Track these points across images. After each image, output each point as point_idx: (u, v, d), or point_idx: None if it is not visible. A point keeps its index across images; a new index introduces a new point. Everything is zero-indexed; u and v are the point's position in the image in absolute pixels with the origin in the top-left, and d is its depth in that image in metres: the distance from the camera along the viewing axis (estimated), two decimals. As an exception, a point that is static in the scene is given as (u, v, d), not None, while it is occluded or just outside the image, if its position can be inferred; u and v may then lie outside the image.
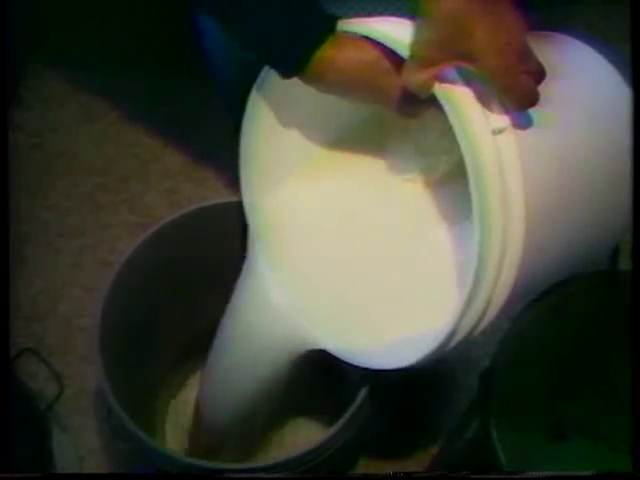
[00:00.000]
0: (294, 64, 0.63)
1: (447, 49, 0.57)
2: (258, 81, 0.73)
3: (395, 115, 0.65)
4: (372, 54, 0.61)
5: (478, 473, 0.79)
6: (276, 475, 0.74)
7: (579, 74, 0.69)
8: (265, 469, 0.76)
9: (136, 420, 0.79)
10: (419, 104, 0.63)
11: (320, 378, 1.01)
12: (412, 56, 0.58)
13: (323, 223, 0.80)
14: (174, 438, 1.04)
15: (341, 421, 0.77)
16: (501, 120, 0.58)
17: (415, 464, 1.03)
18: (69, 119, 1.39)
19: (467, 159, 0.57)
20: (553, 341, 0.76)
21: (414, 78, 0.58)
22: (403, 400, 1.07)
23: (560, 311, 0.75)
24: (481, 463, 0.76)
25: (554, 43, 0.70)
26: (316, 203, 0.81)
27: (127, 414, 0.78)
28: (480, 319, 0.62)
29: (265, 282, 0.79)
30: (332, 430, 0.77)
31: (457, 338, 0.63)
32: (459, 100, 0.58)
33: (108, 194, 1.30)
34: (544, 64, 0.59)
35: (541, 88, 0.58)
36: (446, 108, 0.58)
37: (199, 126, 1.34)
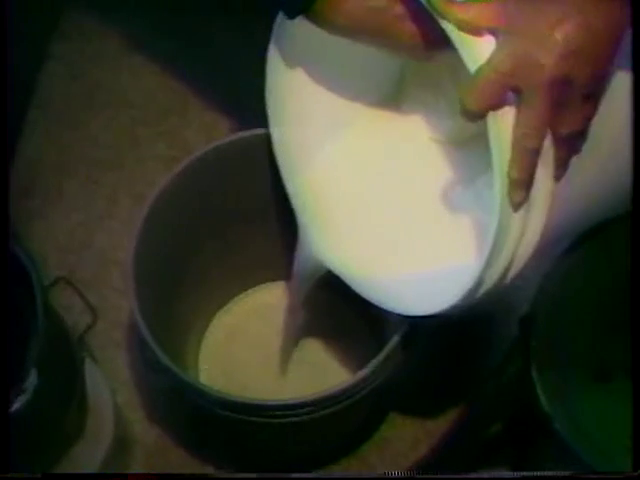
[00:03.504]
0: (299, 2, 0.61)
1: None
2: (274, 33, 0.74)
3: (430, 74, 0.63)
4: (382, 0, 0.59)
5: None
6: (275, 475, 0.74)
7: None
8: (292, 407, 0.75)
9: (169, 353, 0.78)
10: (433, 49, 0.61)
11: (361, 320, 1.01)
12: None
13: (354, 175, 0.81)
14: (207, 371, 1.04)
15: (372, 363, 0.76)
16: None
17: (453, 410, 1.02)
18: (109, 51, 1.37)
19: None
20: (596, 282, 0.74)
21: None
22: (441, 345, 1.06)
23: (603, 251, 0.74)
24: (521, 406, 0.75)
25: None
26: (348, 157, 0.81)
27: (160, 347, 0.77)
28: (506, 270, 0.61)
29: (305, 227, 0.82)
30: (363, 372, 0.76)
31: (482, 290, 0.62)
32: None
33: (147, 127, 1.28)
34: None
35: None
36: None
37: (240, 61, 1.31)
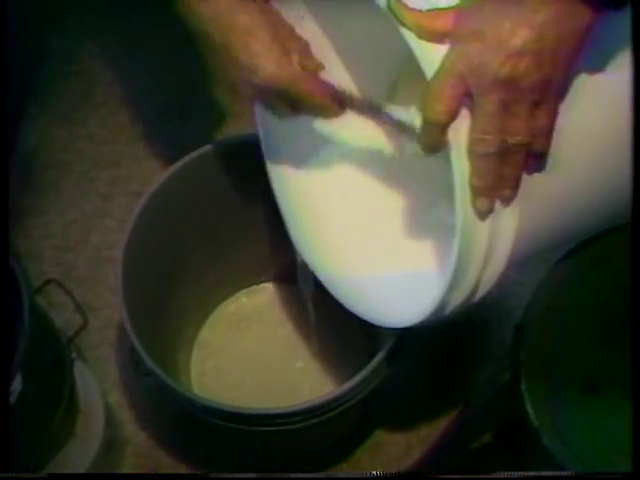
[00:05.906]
0: None
1: None
2: None
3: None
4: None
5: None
6: (274, 475, 0.73)
7: None
8: (280, 416, 0.75)
9: (159, 356, 0.78)
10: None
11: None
12: None
13: (340, 183, 0.80)
14: (198, 374, 1.03)
15: (362, 373, 0.76)
16: None
17: (446, 416, 1.01)
18: (108, 47, 1.36)
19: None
20: (591, 293, 0.73)
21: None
22: (436, 352, 1.05)
23: (599, 262, 0.73)
24: (510, 415, 0.75)
25: None
26: (335, 166, 0.80)
27: (149, 351, 0.77)
28: (473, 291, 0.60)
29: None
30: (353, 381, 0.75)
31: (449, 309, 0.61)
32: None
33: (144, 125, 1.28)
34: None
35: None
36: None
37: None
